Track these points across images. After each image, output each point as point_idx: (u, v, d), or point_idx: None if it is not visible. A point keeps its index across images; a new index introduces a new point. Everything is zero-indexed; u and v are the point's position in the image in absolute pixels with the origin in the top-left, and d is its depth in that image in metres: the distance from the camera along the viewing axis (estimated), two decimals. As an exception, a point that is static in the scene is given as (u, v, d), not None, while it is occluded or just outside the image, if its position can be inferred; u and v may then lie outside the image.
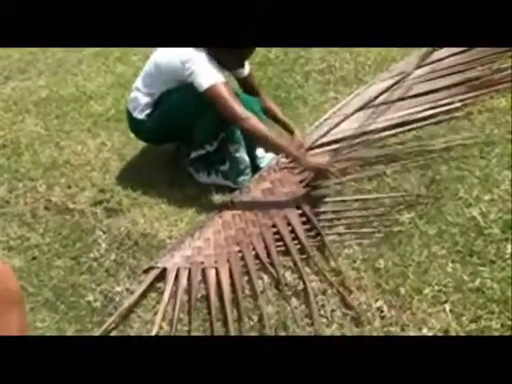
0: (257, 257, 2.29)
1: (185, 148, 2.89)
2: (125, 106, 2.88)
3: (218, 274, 2.23)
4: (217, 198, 2.68)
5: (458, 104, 2.94)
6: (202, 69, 2.49)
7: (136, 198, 2.73)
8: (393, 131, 2.88)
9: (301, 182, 2.65)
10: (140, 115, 2.73)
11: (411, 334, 1.88)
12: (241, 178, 2.73)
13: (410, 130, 2.87)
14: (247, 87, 2.89)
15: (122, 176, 2.92)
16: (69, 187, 2.87)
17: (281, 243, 2.34)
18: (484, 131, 2.75)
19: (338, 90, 3.41)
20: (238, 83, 2.91)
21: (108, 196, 2.75)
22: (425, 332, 1.88)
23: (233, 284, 2.17)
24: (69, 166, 3.05)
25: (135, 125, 2.81)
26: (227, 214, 2.55)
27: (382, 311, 1.98)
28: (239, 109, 2.49)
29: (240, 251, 2.33)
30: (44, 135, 3.37)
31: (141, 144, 3.04)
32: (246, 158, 2.74)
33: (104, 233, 2.54)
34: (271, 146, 2.62)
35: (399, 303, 2.00)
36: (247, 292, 2.16)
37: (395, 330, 1.91)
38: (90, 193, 2.81)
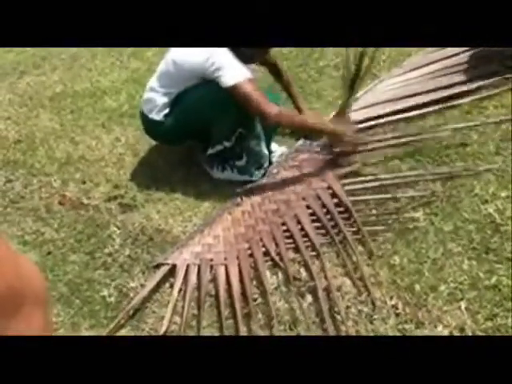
0: (266, 254, 2.29)
1: (199, 145, 2.87)
2: (139, 107, 2.85)
3: (227, 270, 2.23)
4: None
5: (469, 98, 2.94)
6: (227, 65, 2.46)
7: (150, 193, 2.73)
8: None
9: (309, 180, 2.64)
10: (158, 116, 2.66)
11: (426, 331, 1.87)
12: (259, 172, 2.74)
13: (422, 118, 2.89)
14: (272, 71, 2.94)
15: (136, 171, 2.92)
16: (83, 182, 2.88)
17: (290, 241, 2.33)
18: (500, 127, 2.73)
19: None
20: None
21: (122, 191, 2.76)
22: (440, 330, 1.87)
23: (242, 281, 2.17)
24: (83, 162, 3.06)
25: (152, 127, 2.74)
26: (237, 211, 2.55)
27: (397, 308, 1.97)
28: (268, 105, 2.48)
29: (249, 248, 2.33)
30: (59, 130, 3.39)
31: (155, 140, 3.05)
32: (266, 153, 2.75)
33: (118, 228, 2.55)
34: (309, 130, 2.76)
35: (414, 300, 1.99)
36: (257, 289, 2.16)
37: (410, 328, 1.90)
38: (104, 188, 2.81)
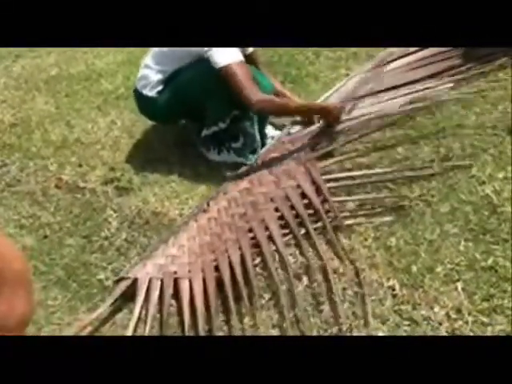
0: (231, 265, 2.13)
1: (195, 126, 2.86)
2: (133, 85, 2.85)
3: (191, 284, 2.08)
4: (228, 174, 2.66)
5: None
6: None
7: (146, 176, 2.72)
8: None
9: (278, 182, 2.51)
10: (151, 93, 2.67)
11: (423, 312, 1.88)
12: (253, 156, 2.71)
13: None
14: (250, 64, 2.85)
15: (132, 154, 2.91)
16: (79, 166, 2.87)
17: (257, 249, 2.21)
18: (497, 108, 2.71)
19: (350, 67, 3.37)
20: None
21: (118, 174, 2.74)
22: (436, 310, 1.88)
23: (206, 296, 2.03)
24: (79, 145, 3.04)
25: (145, 103, 2.75)
26: (203, 218, 2.40)
27: (394, 290, 1.97)
28: (253, 91, 2.45)
29: (215, 260, 2.17)
30: (54, 113, 3.37)
31: (151, 122, 3.03)
32: (258, 137, 2.72)
33: (115, 211, 2.54)
34: (295, 113, 2.71)
35: (411, 282, 1.99)
36: (221, 304, 2.04)
37: (406, 309, 1.90)
38: (100, 171, 2.80)
